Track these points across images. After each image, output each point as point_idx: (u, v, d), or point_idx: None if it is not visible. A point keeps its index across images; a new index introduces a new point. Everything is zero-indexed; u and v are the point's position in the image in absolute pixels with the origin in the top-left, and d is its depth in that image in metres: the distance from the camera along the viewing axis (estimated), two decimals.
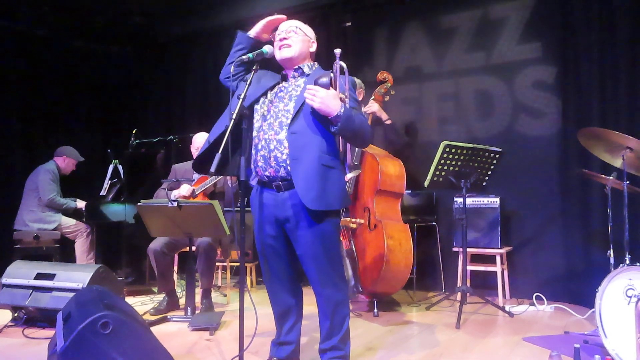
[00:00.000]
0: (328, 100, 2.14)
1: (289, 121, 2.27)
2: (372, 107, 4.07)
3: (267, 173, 2.31)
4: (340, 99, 2.19)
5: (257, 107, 2.39)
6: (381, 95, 4.13)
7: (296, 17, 2.51)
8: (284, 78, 2.44)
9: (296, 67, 2.40)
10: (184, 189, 3.87)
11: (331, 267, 2.32)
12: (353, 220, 3.80)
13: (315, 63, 2.46)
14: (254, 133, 2.36)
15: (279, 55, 2.38)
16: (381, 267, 3.59)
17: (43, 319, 3.33)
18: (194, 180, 4.04)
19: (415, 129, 4.89)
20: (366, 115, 3.98)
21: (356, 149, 3.64)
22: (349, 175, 3.17)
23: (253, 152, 2.35)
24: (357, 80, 4.16)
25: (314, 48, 2.46)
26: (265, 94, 2.41)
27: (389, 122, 4.15)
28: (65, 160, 4.99)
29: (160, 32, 6.45)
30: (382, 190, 3.79)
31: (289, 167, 2.24)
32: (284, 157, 2.26)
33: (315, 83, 2.22)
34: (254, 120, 2.38)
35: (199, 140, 4.09)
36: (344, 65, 2.22)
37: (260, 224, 2.39)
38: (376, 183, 3.78)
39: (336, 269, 2.36)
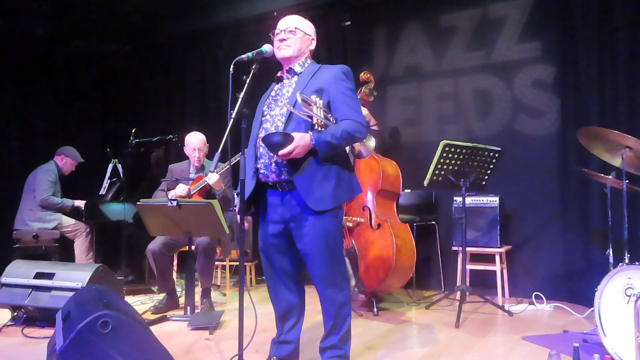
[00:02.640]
0: (299, 149, 2.17)
1: (284, 125, 2.28)
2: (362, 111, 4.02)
3: (270, 178, 2.32)
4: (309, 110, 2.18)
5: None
6: (367, 95, 4.13)
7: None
8: (279, 80, 2.45)
9: (287, 68, 2.41)
10: (180, 189, 3.86)
11: (334, 267, 2.32)
12: (351, 218, 3.80)
13: (308, 60, 2.45)
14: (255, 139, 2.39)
15: (278, 54, 2.40)
16: (390, 267, 3.59)
17: (42, 318, 3.33)
18: (191, 179, 4.04)
19: (414, 128, 4.89)
20: None
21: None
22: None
23: (253, 160, 2.36)
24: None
25: (313, 46, 2.46)
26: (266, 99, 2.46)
27: (375, 127, 4.13)
28: (64, 159, 4.95)
29: (160, 32, 6.45)
30: (383, 189, 3.80)
31: (291, 170, 2.25)
32: (285, 160, 2.26)
33: (273, 147, 2.16)
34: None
35: (193, 141, 4.07)
36: (306, 102, 2.18)
37: (264, 223, 2.40)
38: (377, 182, 3.78)
39: (339, 269, 2.36)
